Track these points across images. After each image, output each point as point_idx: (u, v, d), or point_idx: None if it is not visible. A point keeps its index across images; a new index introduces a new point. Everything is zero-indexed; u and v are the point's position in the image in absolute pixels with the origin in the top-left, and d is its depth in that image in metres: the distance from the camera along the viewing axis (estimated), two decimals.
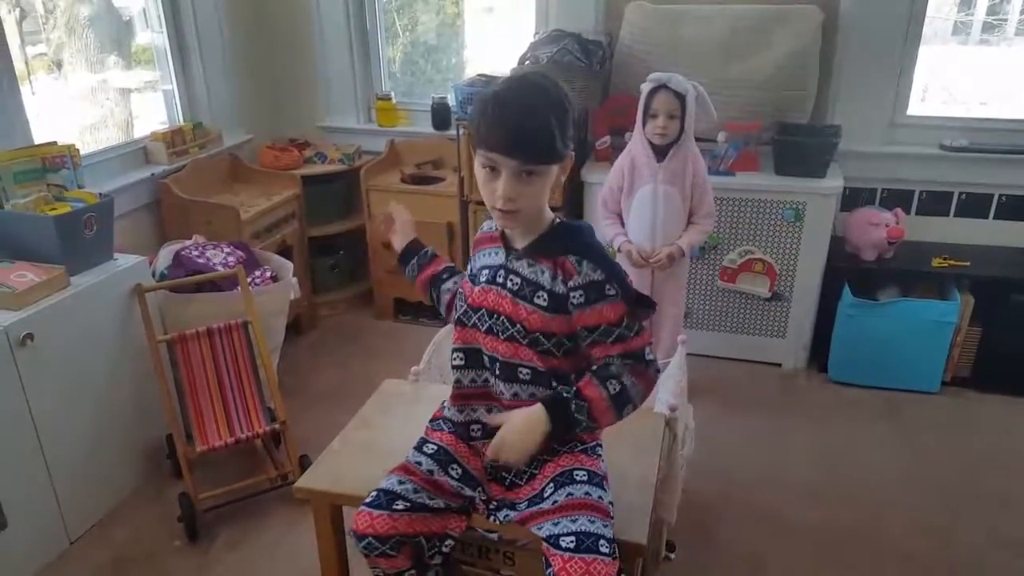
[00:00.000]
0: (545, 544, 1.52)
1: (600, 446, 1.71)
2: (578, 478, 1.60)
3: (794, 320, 3.52)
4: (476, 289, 1.61)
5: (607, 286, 1.50)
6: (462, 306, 1.64)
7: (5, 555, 2.32)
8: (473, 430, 1.70)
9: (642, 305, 1.55)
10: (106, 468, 2.68)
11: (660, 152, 2.90)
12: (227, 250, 3.06)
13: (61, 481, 2.48)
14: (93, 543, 2.57)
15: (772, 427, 3.17)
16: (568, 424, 1.52)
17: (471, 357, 1.65)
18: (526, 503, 1.63)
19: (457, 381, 1.69)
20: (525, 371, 1.59)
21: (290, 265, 3.23)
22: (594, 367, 1.54)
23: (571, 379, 1.58)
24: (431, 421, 1.80)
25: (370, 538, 1.58)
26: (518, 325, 1.55)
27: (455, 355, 1.67)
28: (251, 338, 2.77)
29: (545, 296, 1.53)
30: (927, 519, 2.65)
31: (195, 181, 3.58)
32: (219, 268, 2.93)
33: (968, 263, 3.34)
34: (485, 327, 1.60)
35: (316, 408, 3.24)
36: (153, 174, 3.44)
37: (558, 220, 1.59)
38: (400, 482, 1.62)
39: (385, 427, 2.04)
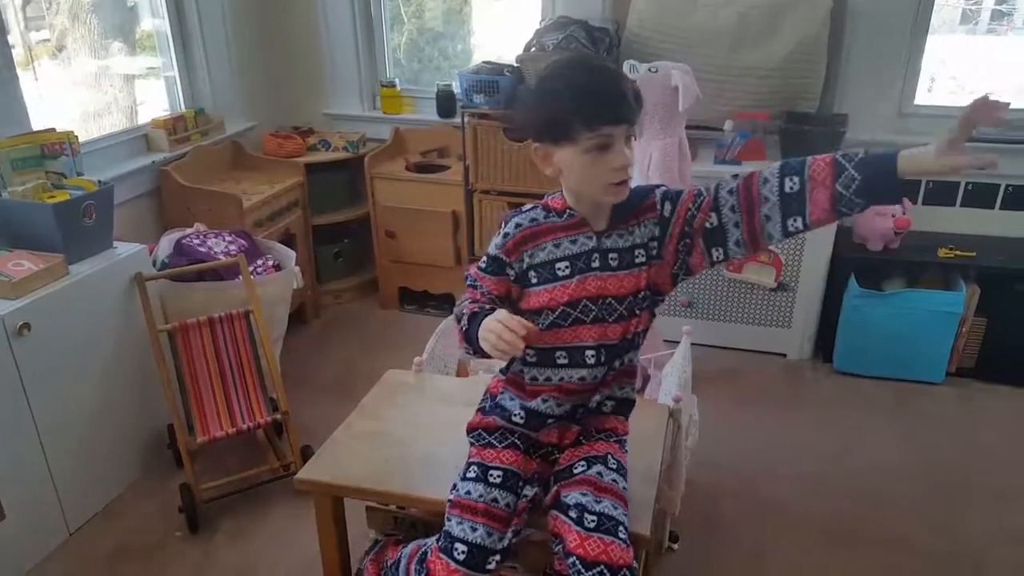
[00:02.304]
0: (564, 519, 1.52)
1: (626, 441, 1.72)
2: (610, 465, 1.60)
3: (800, 310, 3.49)
4: (571, 283, 1.53)
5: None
6: (556, 309, 1.54)
7: (4, 546, 2.31)
8: (549, 422, 1.64)
9: None
10: (106, 458, 2.67)
11: None
12: (229, 238, 3.04)
13: (60, 472, 2.47)
14: (93, 534, 2.56)
15: (777, 418, 3.15)
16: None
17: (574, 355, 1.58)
18: (551, 479, 1.64)
19: (546, 378, 1.61)
20: (624, 345, 1.59)
21: (293, 254, 3.21)
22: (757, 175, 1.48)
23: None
24: (474, 432, 1.70)
25: None
26: (628, 299, 1.54)
27: (559, 354, 1.58)
28: (253, 327, 2.75)
29: (643, 252, 1.54)
30: (931, 510, 2.64)
31: (197, 168, 3.56)
32: (221, 257, 2.91)
33: (974, 253, 3.32)
34: (591, 317, 1.55)
35: (319, 398, 3.23)
36: (154, 161, 3.43)
37: None
38: (488, 533, 1.52)
39: (388, 418, 2.03)
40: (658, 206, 1.54)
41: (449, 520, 1.56)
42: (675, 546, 2.43)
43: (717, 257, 1.50)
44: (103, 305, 2.58)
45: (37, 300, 2.33)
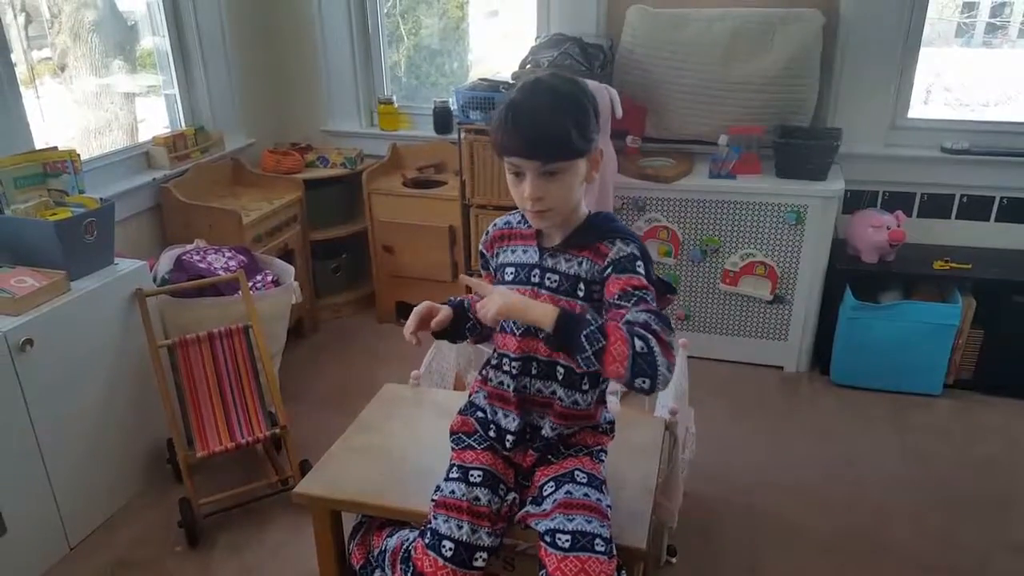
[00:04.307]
0: (541, 545, 1.53)
1: (604, 452, 1.72)
2: (578, 479, 1.60)
3: (796, 323, 3.51)
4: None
5: (637, 262, 1.52)
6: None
7: (4, 561, 2.32)
8: (508, 440, 1.68)
9: (662, 290, 1.62)
10: (106, 473, 2.68)
11: None
12: (228, 254, 3.06)
13: (61, 486, 2.48)
14: (93, 549, 2.56)
15: (774, 430, 3.16)
16: (570, 343, 1.43)
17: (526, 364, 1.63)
18: (528, 501, 1.64)
19: (501, 383, 1.67)
20: (561, 370, 1.60)
21: (291, 269, 3.23)
22: (626, 319, 1.44)
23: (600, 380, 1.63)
24: (454, 436, 1.75)
25: None
26: None
27: (514, 364, 1.63)
28: (252, 342, 2.77)
29: (583, 287, 1.55)
30: (930, 522, 2.64)
31: (197, 185, 3.59)
32: (220, 272, 2.94)
33: (970, 265, 3.33)
34: (522, 329, 1.59)
35: (317, 412, 3.24)
36: (155, 179, 3.45)
37: (593, 212, 1.61)
38: (473, 530, 1.57)
39: (385, 432, 2.04)
40: (609, 251, 1.53)
41: (435, 519, 1.59)
42: (673, 560, 2.43)
43: None
44: (104, 321, 2.60)
45: (39, 316, 2.35)
